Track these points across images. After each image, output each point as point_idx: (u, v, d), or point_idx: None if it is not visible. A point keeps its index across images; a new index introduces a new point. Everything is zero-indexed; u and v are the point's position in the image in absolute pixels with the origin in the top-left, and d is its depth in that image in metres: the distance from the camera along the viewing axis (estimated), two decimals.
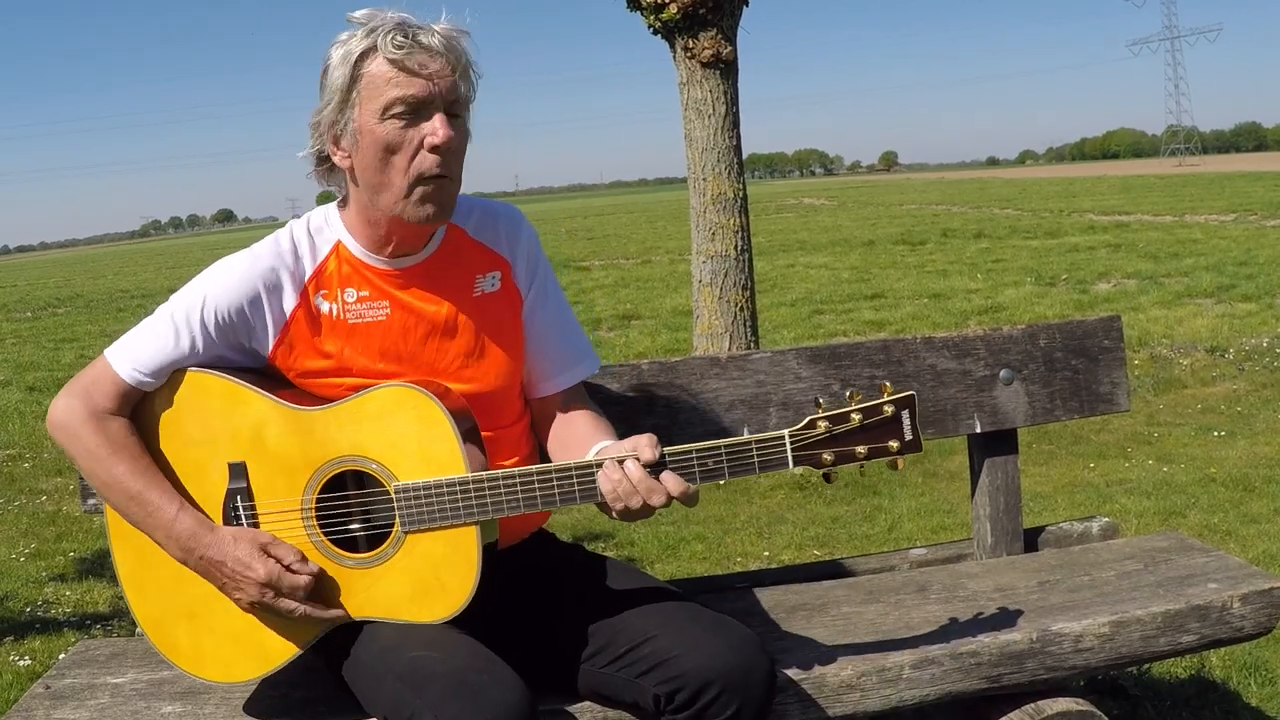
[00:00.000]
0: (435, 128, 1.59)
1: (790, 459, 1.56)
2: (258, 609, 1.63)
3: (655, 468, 1.55)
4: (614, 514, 1.58)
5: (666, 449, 1.57)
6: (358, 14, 1.62)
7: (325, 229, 1.73)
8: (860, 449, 1.56)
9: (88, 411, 1.65)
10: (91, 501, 2.03)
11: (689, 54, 5.91)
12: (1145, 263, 12.90)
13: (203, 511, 1.65)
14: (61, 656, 2.28)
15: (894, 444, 1.56)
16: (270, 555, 1.61)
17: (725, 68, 5.90)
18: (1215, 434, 5.50)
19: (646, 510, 1.56)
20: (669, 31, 5.96)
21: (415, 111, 1.59)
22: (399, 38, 1.57)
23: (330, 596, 1.65)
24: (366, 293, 1.71)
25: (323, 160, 1.68)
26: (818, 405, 1.57)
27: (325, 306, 1.70)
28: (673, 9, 5.80)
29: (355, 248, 1.71)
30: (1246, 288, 10.09)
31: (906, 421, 1.56)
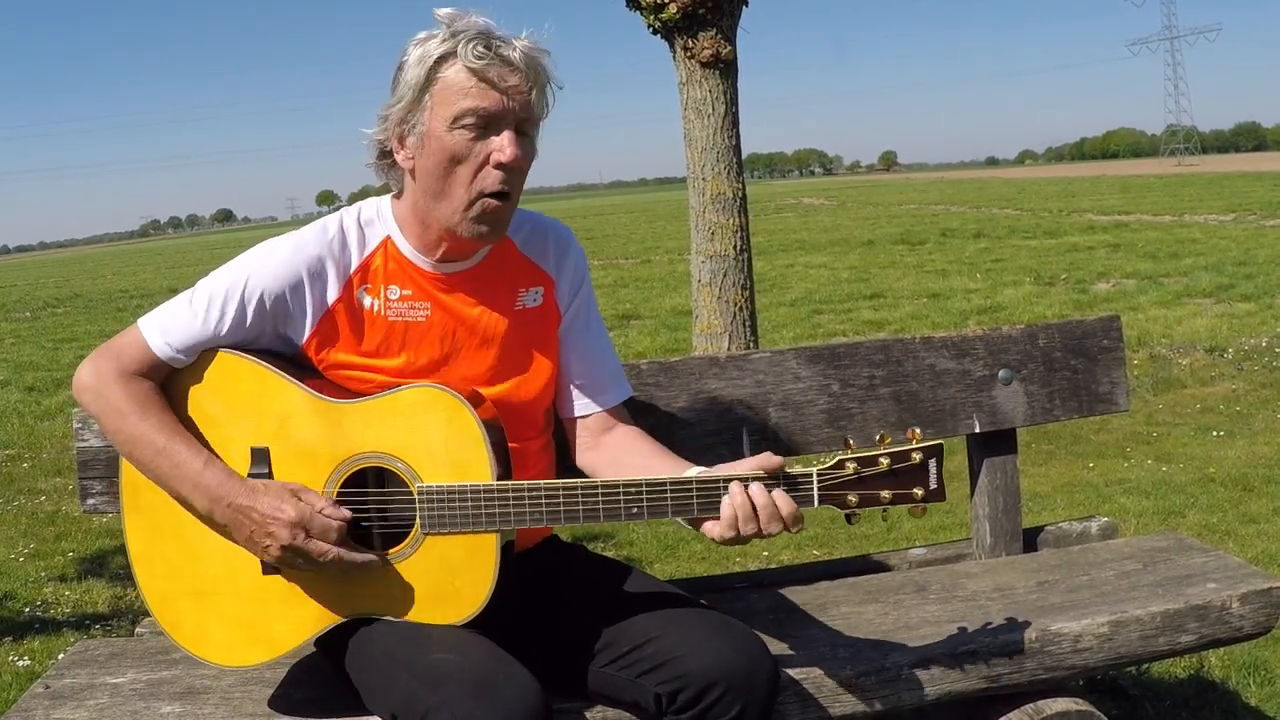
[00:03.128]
0: (504, 144, 1.58)
1: (816, 497, 1.56)
2: (287, 556, 1.58)
3: (774, 486, 1.54)
4: (718, 535, 1.54)
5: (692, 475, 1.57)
6: (442, 12, 1.59)
7: (376, 222, 1.72)
8: (885, 494, 1.56)
9: (116, 372, 1.64)
10: (90, 502, 2.03)
11: (688, 54, 5.90)
12: (1144, 262, 12.91)
13: None
14: (61, 656, 2.28)
15: (919, 491, 1.57)
16: (301, 499, 1.58)
17: (725, 67, 5.90)
18: (1214, 434, 5.50)
19: (756, 536, 1.53)
20: (668, 31, 5.96)
21: (486, 125, 1.58)
22: (480, 47, 1.55)
23: (338, 595, 1.64)
24: (410, 292, 1.70)
25: (384, 154, 1.67)
26: (847, 445, 1.58)
27: (368, 301, 1.69)
28: (672, 9, 5.80)
29: (404, 246, 1.70)
30: (1245, 287, 10.09)
31: (933, 470, 1.57)
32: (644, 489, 1.56)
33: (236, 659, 1.68)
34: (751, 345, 6.09)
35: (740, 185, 6.08)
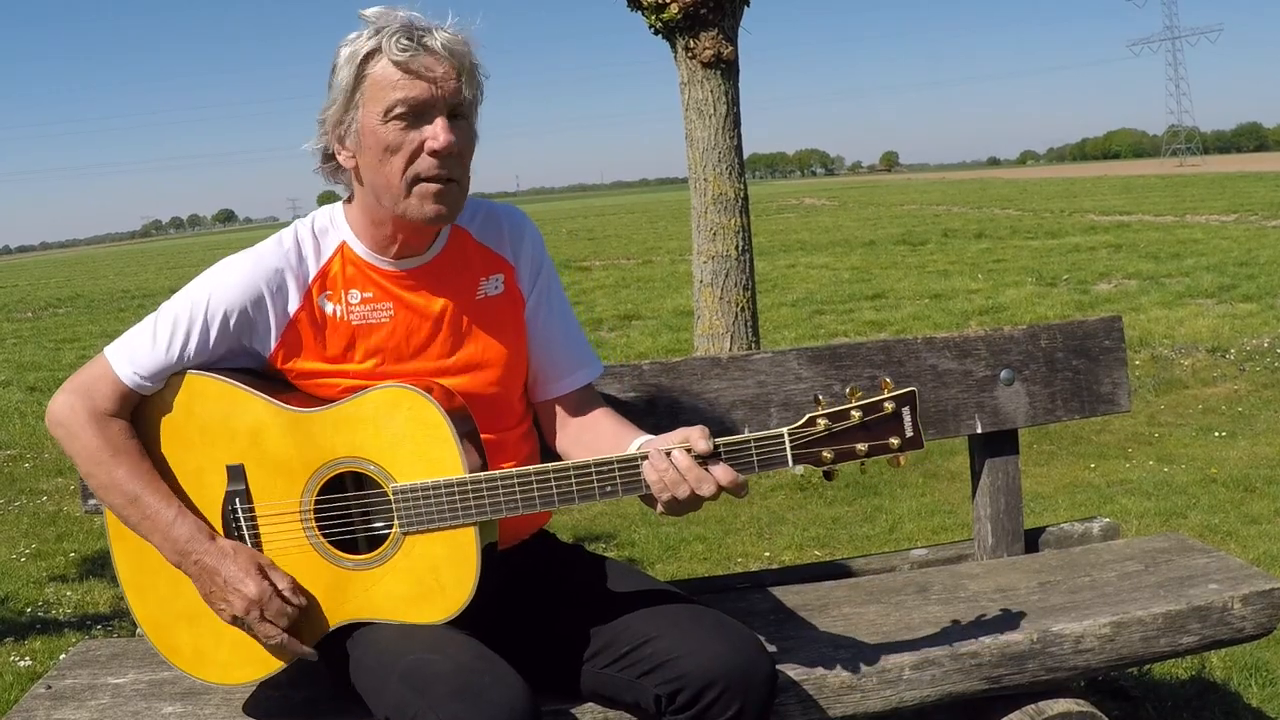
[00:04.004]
0: (436, 131, 1.60)
1: (790, 457, 1.55)
2: (238, 625, 1.62)
3: (708, 460, 1.54)
4: (660, 506, 1.56)
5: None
6: (369, 11, 1.62)
7: (330, 229, 1.73)
8: (861, 446, 1.54)
9: (88, 412, 1.64)
10: (92, 502, 2.03)
11: (690, 54, 5.90)
12: (1146, 263, 12.89)
13: (202, 516, 1.66)
14: (62, 657, 2.28)
15: (895, 441, 1.55)
16: (266, 577, 1.61)
17: (726, 68, 5.90)
18: (1216, 434, 5.50)
19: (694, 501, 1.54)
20: (670, 31, 5.96)
21: (417, 114, 1.60)
22: (403, 40, 1.58)
23: (326, 604, 1.65)
24: (370, 294, 1.71)
25: (328, 158, 1.69)
26: (817, 402, 1.56)
27: (329, 308, 1.70)
28: (674, 9, 5.80)
29: (360, 248, 1.71)
30: (1247, 288, 10.08)
31: (907, 418, 1.54)
32: (593, 469, 1.57)
33: (235, 677, 1.70)
34: (753, 346, 6.09)
35: (742, 185, 6.08)
